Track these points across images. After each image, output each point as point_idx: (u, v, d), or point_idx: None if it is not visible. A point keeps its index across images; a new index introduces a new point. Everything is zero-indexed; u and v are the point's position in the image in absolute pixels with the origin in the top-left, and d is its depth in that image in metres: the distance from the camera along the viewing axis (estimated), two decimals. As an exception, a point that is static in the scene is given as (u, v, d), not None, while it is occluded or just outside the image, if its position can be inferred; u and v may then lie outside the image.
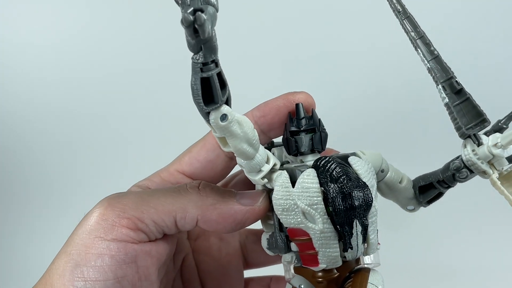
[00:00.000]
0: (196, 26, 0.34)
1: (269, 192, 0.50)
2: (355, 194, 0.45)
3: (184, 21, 0.34)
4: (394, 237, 1.03)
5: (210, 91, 0.40)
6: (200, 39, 0.36)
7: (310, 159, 0.49)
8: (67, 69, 1.21)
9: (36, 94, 1.23)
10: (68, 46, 1.21)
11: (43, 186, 1.27)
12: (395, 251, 1.01)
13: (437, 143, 0.87)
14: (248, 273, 0.64)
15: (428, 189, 0.52)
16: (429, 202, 0.53)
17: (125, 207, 0.48)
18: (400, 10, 0.48)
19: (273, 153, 0.52)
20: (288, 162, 0.51)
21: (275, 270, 0.62)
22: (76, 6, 1.19)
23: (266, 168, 0.47)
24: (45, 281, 0.47)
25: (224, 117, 0.41)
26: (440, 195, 0.52)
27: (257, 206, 0.49)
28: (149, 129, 1.19)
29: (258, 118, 0.51)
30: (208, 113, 0.41)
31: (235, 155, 0.46)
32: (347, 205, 0.44)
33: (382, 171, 0.52)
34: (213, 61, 0.38)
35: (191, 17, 0.34)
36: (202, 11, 0.34)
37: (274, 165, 0.48)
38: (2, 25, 1.23)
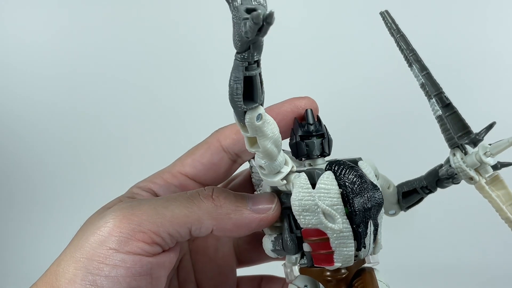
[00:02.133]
0: (265, 24, 0.35)
1: (278, 194, 0.53)
2: (370, 196, 0.49)
3: (255, 18, 0.35)
4: (393, 238, 1.07)
5: (251, 90, 0.42)
6: (257, 38, 0.37)
7: (320, 163, 0.52)
8: (66, 67, 1.15)
9: (35, 93, 1.18)
10: (66, 44, 1.15)
11: (40, 187, 1.22)
12: (393, 252, 1.08)
13: (418, 153, 0.95)
14: (238, 272, 0.66)
15: (411, 195, 0.57)
16: (409, 207, 0.59)
17: (141, 220, 0.48)
18: (395, 28, 0.54)
19: None
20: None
21: (265, 269, 0.64)
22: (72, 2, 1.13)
23: (286, 169, 0.49)
24: (50, 283, 0.47)
25: (259, 117, 0.43)
26: (420, 200, 0.58)
27: (270, 213, 0.51)
28: (150, 128, 1.16)
29: None
30: (245, 112, 0.42)
31: (256, 156, 0.48)
32: (364, 206, 0.49)
33: (376, 176, 0.56)
34: (256, 61, 0.40)
35: (262, 15, 0.35)
36: (254, 10, 0.35)
37: (292, 167, 0.50)
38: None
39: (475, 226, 1.23)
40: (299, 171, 0.50)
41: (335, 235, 0.49)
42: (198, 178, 0.57)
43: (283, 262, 0.55)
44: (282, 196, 0.53)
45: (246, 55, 0.39)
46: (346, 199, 0.49)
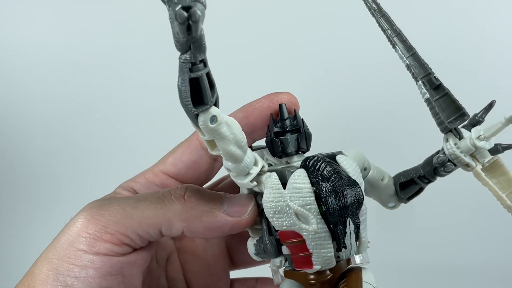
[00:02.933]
0: (191, 23, 0.34)
1: (255, 195, 0.51)
2: (347, 193, 0.46)
3: (178, 18, 0.34)
4: (391, 237, 1.05)
5: (199, 92, 0.40)
6: (191, 38, 0.36)
7: (296, 160, 0.50)
8: (52, 66, 1.18)
9: (23, 92, 1.21)
10: (53, 43, 1.18)
11: (24, 186, 1.24)
12: (391, 251, 1.05)
13: (417, 139, 0.91)
14: (233, 274, 0.65)
15: (409, 185, 0.54)
16: (410, 198, 0.55)
17: (108, 221, 0.48)
18: (376, 8, 0.51)
19: None
20: (271, 165, 0.53)
21: (261, 271, 0.62)
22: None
23: (255, 170, 0.48)
24: (27, 285, 0.47)
25: (213, 118, 0.42)
26: (420, 190, 0.55)
27: (245, 217, 0.50)
28: (137, 127, 1.17)
29: (241, 119, 0.52)
30: (197, 115, 0.41)
31: (223, 158, 0.46)
32: (340, 203, 0.46)
33: (365, 169, 0.54)
34: (201, 61, 0.39)
35: (186, 14, 0.34)
36: (190, 8, 0.34)
37: (262, 167, 0.48)
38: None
39: (482, 222, 1.16)
40: (271, 171, 0.49)
41: (310, 236, 0.46)
42: (179, 177, 0.56)
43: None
44: (259, 197, 0.51)
45: (188, 56, 0.38)
46: (319, 197, 0.46)
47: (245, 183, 0.48)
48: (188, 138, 0.56)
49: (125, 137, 1.18)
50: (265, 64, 1.10)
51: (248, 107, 0.53)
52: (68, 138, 1.20)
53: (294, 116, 0.51)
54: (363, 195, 0.47)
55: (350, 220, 0.47)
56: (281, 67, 1.11)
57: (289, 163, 0.50)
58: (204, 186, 0.59)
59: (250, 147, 0.55)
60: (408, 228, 1.09)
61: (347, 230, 0.47)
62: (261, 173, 0.49)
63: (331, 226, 0.46)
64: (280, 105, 0.51)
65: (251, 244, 0.53)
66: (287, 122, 0.50)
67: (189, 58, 0.38)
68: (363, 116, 1.05)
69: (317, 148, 0.53)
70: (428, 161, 0.52)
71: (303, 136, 0.50)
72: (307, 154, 0.51)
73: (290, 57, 1.10)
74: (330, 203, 0.46)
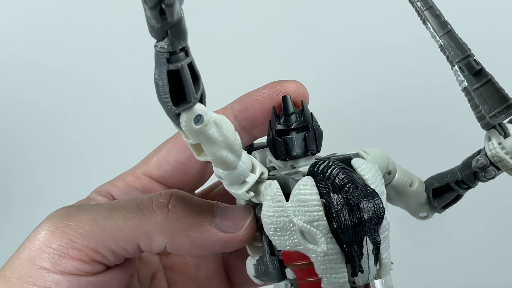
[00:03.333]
0: (163, 6, 0.28)
1: (254, 207, 0.43)
2: (364, 206, 0.38)
3: (147, 1, 0.28)
4: (420, 255, 0.91)
5: (180, 87, 0.34)
6: (167, 23, 0.30)
7: (303, 164, 0.42)
8: (23, 55, 1.11)
9: None
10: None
11: None
12: (421, 272, 0.93)
13: (455, 136, 0.80)
14: None
15: (444, 192, 0.46)
16: (445, 207, 0.47)
17: (75, 234, 0.41)
18: None
19: (254, 158, 0.46)
20: (274, 169, 0.45)
21: None
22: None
23: (252, 178, 0.40)
24: None
25: (198, 118, 0.35)
26: (458, 198, 0.46)
27: (240, 234, 0.42)
28: (119, 122, 1.08)
29: (239, 112, 0.45)
30: (179, 114, 0.34)
31: (212, 165, 0.39)
32: (355, 219, 0.38)
33: (389, 173, 0.45)
34: (182, 49, 0.33)
35: None
36: None
37: (261, 174, 0.41)
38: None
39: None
40: (272, 178, 0.41)
41: (319, 258, 0.39)
42: (164, 180, 0.49)
43: None
44: (258, 209, 0.43)
45: (165, 44, 0.32)
46: (330, 211, 0.38)
47: (240, 193, 0.40)
48: (175, 134, 0.49)
49: (104, 133, 1.06)
50: (269, 47, 0.98)
51: (246, 97, 0.45)
52: (37, 136, 1.09)
53: (301, 111, 0.42)
54: (384, 208, 0.39)
55: (368, 239, 0.39)
56: (288, 50, 0.98)
57: (295, 167, 0.42)
58: (195, 193, 0.52)
59: (252, 145, 0.48)
60: (440, 243, 0.95)
61: (364, 250, 0.39)
62: (260, 180, 0.41)
63: (344, 246, 0.38)
64: (284, 97, 0.43)
65: (250, 265, 0.45)
66: (292, 118, 0.42)
67: (166, 47, 0.32)
68: (386, 109, 0.92)
69: (329, 148, 0.44)
70: (467, 163, 0.44)
71: (311, 134, 0.42)
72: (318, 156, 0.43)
73: (298, 39, 0.97)
74: (343, 218, 0.38)
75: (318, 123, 0.43)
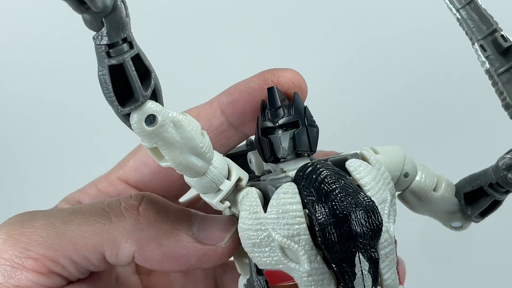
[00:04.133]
0: None
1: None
2: (355, 216, 0.32)
3: None
4: (444, 273, 0.79)
5: (126, 83, 0.30)
6: (94, 12, 0.27)
7: (293, 168, 0.36)
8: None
9: None
10: None
11: None
12: None
13: (484, 131, 0.69)
14: None
15: (478, 197, 0.39)
16: (483, 214, 0.40)
17: (30, 241, 0.37)
18: None
19: (249, 160, 0.41)
20: (269, 172, 0.40)
21: None
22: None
23: (226, 186, 0.35)
24: None
25: (151, 119, 0.31)
26: (496, 204, 0.39)
27: (220, 247, 0.37)
28: (90, 124, 1.03)
29: (226, 106, 0.40)
30: (128, 114, 0.31)
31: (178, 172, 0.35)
32: (343, 233, 0.32)
33: (406, 175, 0.39)
34: (124, 40, 0.29)
35: None
36: None
37: (239, 180, 0.36)
38: None
39: None
40: (253, 185, 0.36)
41: (303, 279, 0.33)
42: (142, 186, 0.44)
43: None
44: None
45: (101, 35, 0.29)
46: (313, 224, 0.32)
47: (214, 203, 0.36)
48: None
49: (75, 137, 1.01)
50: (265, 30, 0.90)
51: (235, 89, 0.40)
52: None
53: (291, 104, 0.37)
54: (381, 219, 0.33)
55: (361, 256, 0.33)
56: (290, 35, 0.90)
57: (285, 171, 0.37)
58: (179, 201, 0.47)
59: (251, 143, 0.44)
60: (467, 260, 0.81)
61: (357, 270, 0.33)
62: (239, 188, 0.36)
63: (333, 265, 0.33)
64: (270, 89, 0.38)
65: (241, 284, 0.40)
66: (279, 113, 0.36)
67: (103, 38, 0.29)
68: (406, 101, 0.81)
69: (336, 148, 0.39)
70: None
71: (302, 132, 0.36)
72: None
73: (302, 24, 0.89)
74: (328, 232, 0.32)
75: (314, 118, 0.37)
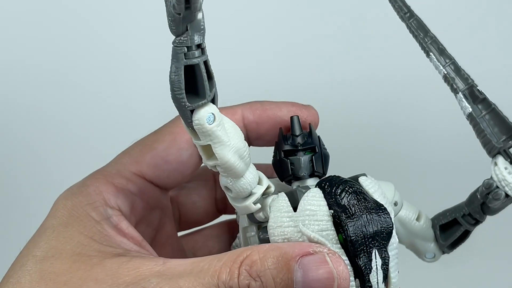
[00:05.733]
0: None
1: (258, 228, 0.45)
2: (372, 218, 0.39)
3: None
4: (445, 273, 0.82)
5: (195, 83, 0.36)
6: (189, 15, 0.33)
7: (310, 184, 0.43)
8: None
9: None
10: None
11: None
12: None
13: (456, 173, 0.79)
14: None
15: (450, 227, 0.47)
16: (453, 245, 0.48)
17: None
18: (406, 11, 0.46)
19: None
20: None
21: None
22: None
23: (259, 190, 0.41)
24: None
25: (211, 118, 0.37)
26: (466, 234, 0.47)
27: None
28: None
29: (250, 123, 0.46)
30: (192, 111, 0.36)
31: (220, 174, 0.40)
32: (363, 230, 0.39)
33: (396, 203, 0.46)
34: (198, 46, 0.35)
35: None
36: None
37: (268, 187, 0.42)
38: None
39: None
40: (279, 192, 0.42)
41: (327, 270, 0.39)
42: (159, 181, 0.48)
43: None
44: (263, 230, 0.43)
45: (184, 38, 0.34)
46: (338, 222, 0.39)
47: (246, 205, 0.41)
48: (169, 129, 0.48)
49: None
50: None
51: (263, 111, 0.47)
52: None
53: (309, 133, 0.44)
54: (392, 224, 0.40)
55: (377, 253, 0.39)
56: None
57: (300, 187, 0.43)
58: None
59: None
60: (469, 261, 0.88)
61: (373, 264, 0.39)
62: (266, 195, 0.42)
63: (354, 258, 0.39)
64: (292, 118, 0.45)
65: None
66: (300, 139, 0.44)
67: (184, 41, 0.34)
68: (386, 135, 0.90)
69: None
70: (474, 195, 0.45)
71: (319, 157, 0.44)
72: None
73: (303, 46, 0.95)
74: (352, 229, 0.38)
75: (325, 146, 0.45)
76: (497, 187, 0.43)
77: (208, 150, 0.38)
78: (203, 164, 0.49)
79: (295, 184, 0.44)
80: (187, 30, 0.34)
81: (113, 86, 0.87)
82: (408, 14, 0.45)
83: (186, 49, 0.34)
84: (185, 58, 0.35)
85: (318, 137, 0.45)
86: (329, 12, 0.84)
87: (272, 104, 0.47)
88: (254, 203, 0.41)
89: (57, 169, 0.83)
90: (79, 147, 0.86)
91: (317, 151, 0.44)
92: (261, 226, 0.44)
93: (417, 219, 0.47)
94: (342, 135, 0.80)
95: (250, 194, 0.41)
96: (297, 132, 0.44)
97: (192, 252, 0.56)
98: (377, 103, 0.84)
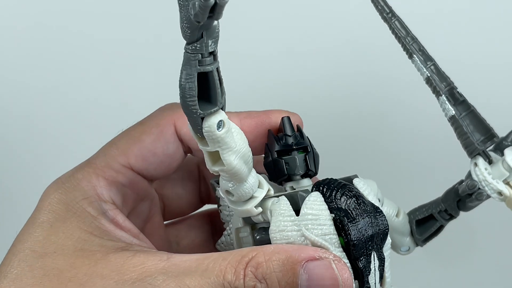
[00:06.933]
0: (218, 1, 0.30)
1: (252, 229, 0.45)
2: (371, 221, 0.41)
3: None
4: (445, 273, 0.83)
5: (206, 90, 0.36)
6: (209, 23, 0.32)
7: (305, 185, 0.44)
8: None
9: None
10: None
11: None
12: None
13: (429, 168, 0.83)
14: None
15: (426, 222, 0.50)
16: (427, 239, 0.50)
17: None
18: (388, 11, 0.47)
19: None
20: None
21: None
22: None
23: (261, 193, 0.42)
24: None
25: (221, 124, 0.37)
26: (440, 229, 0.50)
27: None
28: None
29: (253, 129, 0.47)
30: (202, 118, 0.36)
31: (221, 179, 0.40)
32: (364, 233, 0.40)
33: (380, 200, 0.48)
34: (211, 53, 0.35)
35: None
36: None
37: (268, 190, 0.42)
38: None
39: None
40: (278, 196, 0.42)
41: (330, 273, 0.40)
42: (147, 173, 0.49)
43: None
44: (258, 231, 0.44)
45: (198, 45, 0.34)
46: (340, 226, 0.40)
47: (248, 209, 0.42)
48: (156, 121, 0.49)
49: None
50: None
51: (251, 119, 0.48)
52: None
53: (301, 133, 0.45)
54: (388, 225, 0.42)
55: (375, 255, 0.41)
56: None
57: (295, 188, 0.44)
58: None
59: None
60: (469, 262, 0.91)
61: (372, 266, 0.41)
62: (267, 198, 0.42)
63: (355, 260, 0.40)
64: (283, 119, 0.46)
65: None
66: (293, 139, 0.45)
67: (199, 48, 0.34)
68: (371, 134, 0.92)
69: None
70: (451, 192, 0.48)
71: (311, 156, 0.45)
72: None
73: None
74: (353, 232, 0.40)
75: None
76: (480, 187, 0.46)
77: (215, 156, 0.39)
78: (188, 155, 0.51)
79: (287, 185, 0.45)
80: (202, 37, 0.33)
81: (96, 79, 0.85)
82: (390, 14, 0.47)
83: (200, 56, 0.34)
84: (199, 65, 0.34)
85: (307, 138, 0.46)
86: (323, 11, 0.84)
87: (260, 112, 0.48)
88: (255, 207, 0.42)
89: (39, 160, 0.80)
90: (60, 137, 0.83)
91: (309, 150, 0.45)
92: (256, 227, 0.44)
93: (397, 215, 0.50)
94: (327, 135, 0.81)
95: (252, 197, 0.41)
96: (290, 132, 0.45)
97: (175, 241, 0.56)
98: (363, 102, 0.86)
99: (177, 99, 0.37)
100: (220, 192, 0.43)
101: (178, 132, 0.49)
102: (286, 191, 0.44)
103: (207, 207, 0.59)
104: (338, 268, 0.38)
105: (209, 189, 0.56)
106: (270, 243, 0.42)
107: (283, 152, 0.44)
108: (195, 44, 0.34)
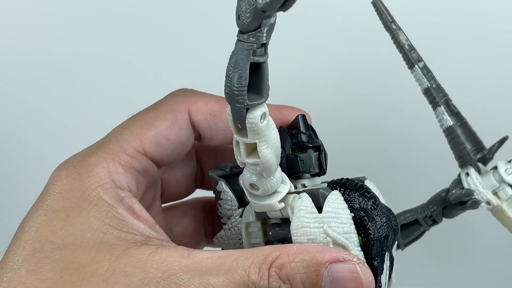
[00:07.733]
0: None
1: (263, 224, 0.46)
2: (386, 221, 0.42)
3: None
4: (447, 273, 0.84)
5: (254, 82, 0.35)
6: (273, 14, 0.32)
7: (313, 184, 0.45)
8: None
9: None
10: None
11: None
12: None
13: (425, 170, 0.84)
14: None
15: (410, 227, 0.52)
16: (409, 243, 0.53)
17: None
18: (391, 21, 0.49)
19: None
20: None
21: None
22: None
23: (284, 189, 0.42)
24: None
25: (263, 116, 0.37)
26: (421, 234, 0.52)
27: None
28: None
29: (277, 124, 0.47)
30: (247, 110, 0.36)
31: (247, 171, 0.40)
32: (382, 234, 0.42)
33: None
34: (263, 44, 0.34)
35: None
36: None
37: (290, 186, 0.43)
38: None
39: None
40: (299, 192, 0.43)
41: (349, 271, 0.41)
42: (160, 160, 0.48)
43: None
44: (271, 227, 0.45)
45: (256, 35, 0.33)
46: (359, 225, 0.42)
47: (271, 203, 0.42)
48: (170, 107, 0.48)
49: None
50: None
51: (275, 110, 0.48)
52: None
53: (314, 132, 0.46)
54: (399, 226, 0.44)
55: (388, 255, 0.43)
56: None
57: (306, 186, 0.45)
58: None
59: (230, 168, 0.51)
60: (469, 262, 0.86)
61: (384, 266, 0.43)
62: (288, 194, 0.43)
63: (372, 260, 0.42)
64: (298, 117, 0.46)
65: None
66: (308, 137, 0.45)
67: (256, 38, 0.33)
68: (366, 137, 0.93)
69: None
70: (436, 199, 0.51)
71: (323, 155, 0.45)
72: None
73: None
74: (373, 232, 0.41)
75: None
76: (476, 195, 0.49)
77: (251, 148, 0.38)
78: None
79: (299, 182, 0.45)
80: (259, 27, 0.33)
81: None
82: (393, 23, 0.49)
83: (256, 46, 0.34)
84: (252, 55, 0.34)
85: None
86: (326, 12, 0.85)
87: (272, 106, 0.48)
88: (279, 202, 0.42)
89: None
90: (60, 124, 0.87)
91: (321, 149, 0.46)
92: (268, 222, 0.45)
93: (385, 218, 0.51)
94: (333, 136, 0.81)
95: (275, 192, 0.42)
96: (305, 130, 0.46)
97: (168, 227, 0.55)
98: (368, 104, 0.87)
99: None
100: (242, 185, 0.42)
101: (192, 119, 0.48)
102: (297, 188, 0.45)
103: (199, 193, 0.59)
104: (362, 271, 0.39)
105: (204, 175, 0.56)
106: (282, 239, 0.43)
107: (298, 149, 0.45)
108: (253, 33, 0.33)
